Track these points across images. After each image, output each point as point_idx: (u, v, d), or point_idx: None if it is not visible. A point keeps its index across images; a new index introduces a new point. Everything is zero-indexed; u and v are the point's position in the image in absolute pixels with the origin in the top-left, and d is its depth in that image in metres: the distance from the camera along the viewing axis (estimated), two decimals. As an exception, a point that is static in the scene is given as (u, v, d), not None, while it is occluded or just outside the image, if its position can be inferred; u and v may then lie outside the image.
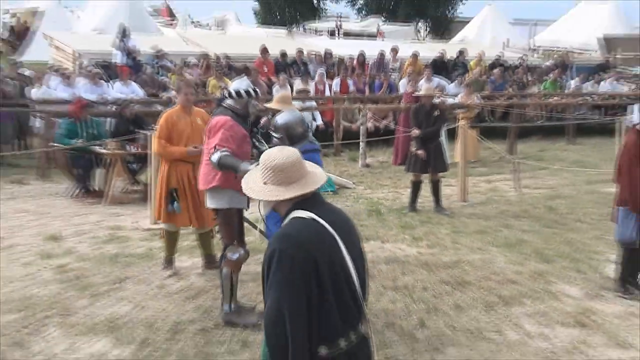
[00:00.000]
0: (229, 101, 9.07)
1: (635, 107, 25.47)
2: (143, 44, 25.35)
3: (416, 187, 14.88)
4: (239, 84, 9.32)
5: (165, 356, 8.09)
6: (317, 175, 4.66)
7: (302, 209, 4.49)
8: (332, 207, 4.74)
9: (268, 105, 12.47)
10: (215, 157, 8.64)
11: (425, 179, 14.84)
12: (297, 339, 4.30)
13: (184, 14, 60.33)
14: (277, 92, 23.00)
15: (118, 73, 22.38)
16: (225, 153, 8.64)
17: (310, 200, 4.57)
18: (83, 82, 20.78)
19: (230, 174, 8.63)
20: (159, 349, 8.29)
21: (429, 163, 14.58)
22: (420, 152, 14.52)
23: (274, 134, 8.53)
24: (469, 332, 8.82)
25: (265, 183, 4.58)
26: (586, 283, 10.74)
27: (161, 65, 23.58)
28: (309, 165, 4.70)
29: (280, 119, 8.57)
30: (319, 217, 4.46)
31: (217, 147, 8.69)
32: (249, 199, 8.59)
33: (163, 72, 23.31)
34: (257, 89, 9.33)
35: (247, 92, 9.07)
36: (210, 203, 9.07)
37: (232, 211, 9.05)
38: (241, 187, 8.24)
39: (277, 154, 4.61)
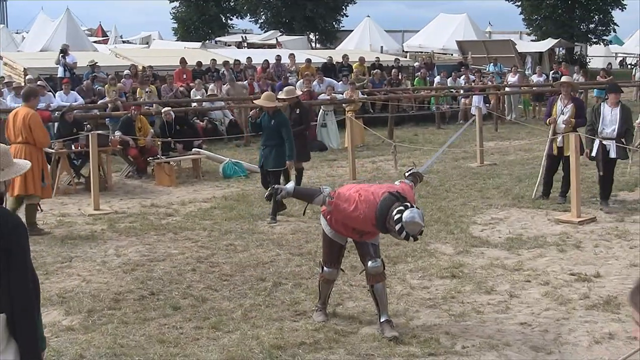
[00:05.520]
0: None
1: (475, 98, 26.03)
2: (81, 59, 24.76)
3: (287, 172, 14.20)
4: (412, 226, 6.88)
5: (109, 322, 7.81)
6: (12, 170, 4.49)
7: None
8: None
9: (256, 102, 12.94)
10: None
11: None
12: None
13: (114, 33, 59.32)
14: (195, 95, 22.76)
15: (60, 85, 21.90)
16: (325, 195, 7.44)
17: None
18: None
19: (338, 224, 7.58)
20: (104, 316, 8.03)
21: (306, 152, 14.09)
22: None
23: None
24: (364, 287, 8.71)
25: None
26: (457, 242, 10.82)
27: (95, 77, 23.12)
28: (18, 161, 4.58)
29: None
30: None
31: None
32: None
33: (97, 83, 22.85)
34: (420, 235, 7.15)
35: (404, 232, 6.88)
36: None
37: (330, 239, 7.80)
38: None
39: None
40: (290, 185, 7.93)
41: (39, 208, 11.76)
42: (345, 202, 7.31)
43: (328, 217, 7.61)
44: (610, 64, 47.45)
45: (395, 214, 6.89)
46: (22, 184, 11.33)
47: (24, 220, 11.40)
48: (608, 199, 12.97)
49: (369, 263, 7.55)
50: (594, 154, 12.81)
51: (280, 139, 12.63)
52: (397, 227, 6.86)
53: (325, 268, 7.87)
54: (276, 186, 7.84)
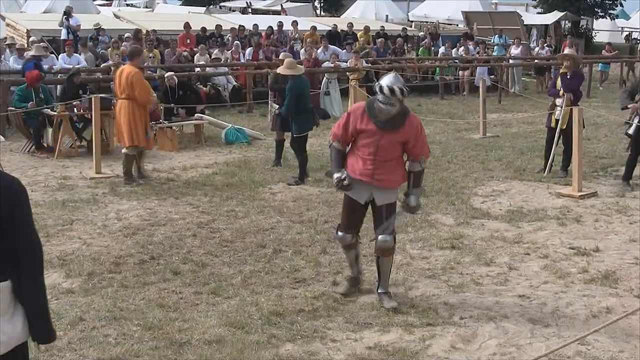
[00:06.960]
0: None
1: (479, 69, 25.93)
2: (84, 22, 24.69)
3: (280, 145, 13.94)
4: (387, 80, 7.41)
5: (109, 285, 7.85)
6: None
7: None
8: None
9: (279, 70, 13.04)
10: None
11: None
12: None
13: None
14: (198, 60, 22.71)
15: (63, 47, 21.87)
16: (333, 145, 7.57)
17: None
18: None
19: (352, 164, 7.48)
20: (104, 279, 8.06)
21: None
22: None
23: None
24: (364, 256, 8.71)
25: None
26: (457, 213, 10.83)
27: (97, 39, 23.07)
28: None
29: None
30: None
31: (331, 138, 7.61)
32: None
33: (100, 46, 22.81)
34: (404, 89, 7.54)
35: (380, 87, 7.32)
36: None
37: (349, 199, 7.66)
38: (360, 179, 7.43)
39: None
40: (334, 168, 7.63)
41: (137, 158, 12.86)
42: (338, 125, 7.54)
43: (346, 164, 7.50)
44: (637, 39, 46.86)
45: (377, 92, 7.34)
46: (130, 136, 12.41)
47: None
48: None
49: (380, 237, 7.47)
50: (631, 131, 12.41)
51: (297, 106, 12.81)
52: (378, 89, 7.33)
53: (338, 232, 7.76)
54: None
